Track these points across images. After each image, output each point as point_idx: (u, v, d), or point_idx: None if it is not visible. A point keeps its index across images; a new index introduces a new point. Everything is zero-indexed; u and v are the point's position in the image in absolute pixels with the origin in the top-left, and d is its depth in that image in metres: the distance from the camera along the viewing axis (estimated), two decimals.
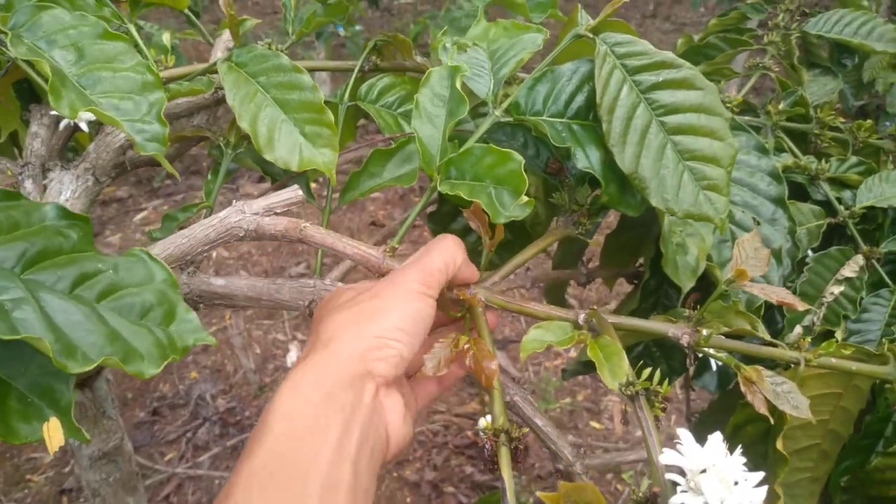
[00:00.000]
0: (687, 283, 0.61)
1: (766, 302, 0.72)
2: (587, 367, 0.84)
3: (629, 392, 0.40)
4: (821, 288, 0.75)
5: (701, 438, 0.53)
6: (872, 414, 0.61)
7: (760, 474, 0.34)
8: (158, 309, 0.41)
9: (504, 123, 0.57)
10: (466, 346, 0.48)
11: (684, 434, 0.36)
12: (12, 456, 1.89)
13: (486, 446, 0.45)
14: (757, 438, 0.56)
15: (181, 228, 0.54)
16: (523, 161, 0.48)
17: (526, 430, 0.45)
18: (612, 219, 0.94)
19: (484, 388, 0.47)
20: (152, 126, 0.49)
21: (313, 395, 0.41)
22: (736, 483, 0.33)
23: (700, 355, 0.50)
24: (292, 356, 2.23)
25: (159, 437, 1.98)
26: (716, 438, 0.35)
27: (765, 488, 0.33)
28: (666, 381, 0.41)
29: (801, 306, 0.46)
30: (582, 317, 0.49)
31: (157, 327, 0.40)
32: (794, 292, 0.74)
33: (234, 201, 0.54)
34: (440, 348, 0.47)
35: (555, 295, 0.90)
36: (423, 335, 0.47)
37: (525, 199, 0.47)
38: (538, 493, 0.29)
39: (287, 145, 0.58)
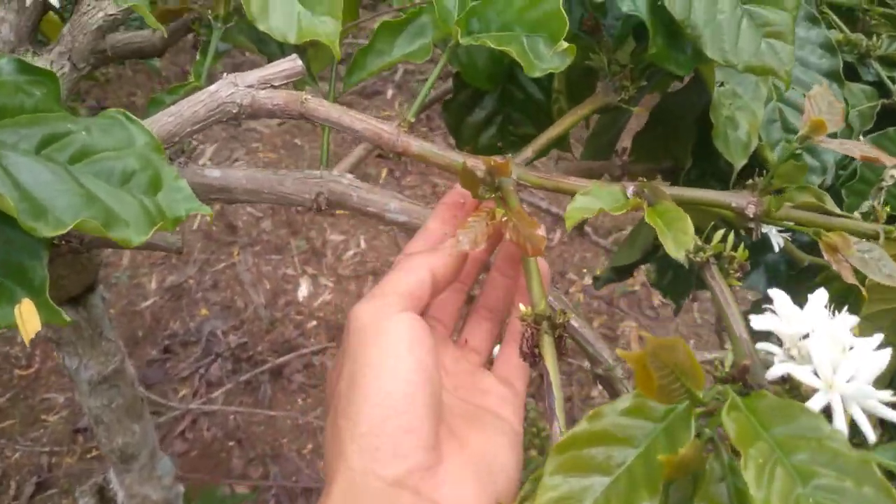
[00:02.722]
0: (739, 160, 0.55)
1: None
2: (619, 273, 0.78)
3: (699, 259, 0.34)
4: (879, 172, 0.68)
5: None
6: None
7: (879, 337, 0.27)
8: (142, 175, 0.35)
9: None
10: (504, 218, 0.41)
11: (778, 295, 0.29)
12: (26, 397, 1.87)
13: (526, 335, 0.39)
14: None
15: None
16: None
17: (571, 315, 0.39)
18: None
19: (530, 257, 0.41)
20: None
21: None
22: (850, 348, 0.27)
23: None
24: (303, 291, 2.19)
25: (172, 374, 1.96)
26: (819, 296, 0.29)
27: (888, 351, 0.26)
28: (741, 246, 0.35)
29: (888, 161, 0.39)
30: (631, 189, 0.42)
31: (142, 195, 0.34)
32: (852, 176, 0.67)
33: (225, 74, 0.47)
34: (475, 222, 0.40)
35: None
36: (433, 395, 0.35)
37: (564, 45, 0.40)
38: (618, 351, 0.23)
39: (283, 13, 0.50)
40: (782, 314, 0.28)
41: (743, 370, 0.28)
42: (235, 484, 1.74)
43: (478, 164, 0.44)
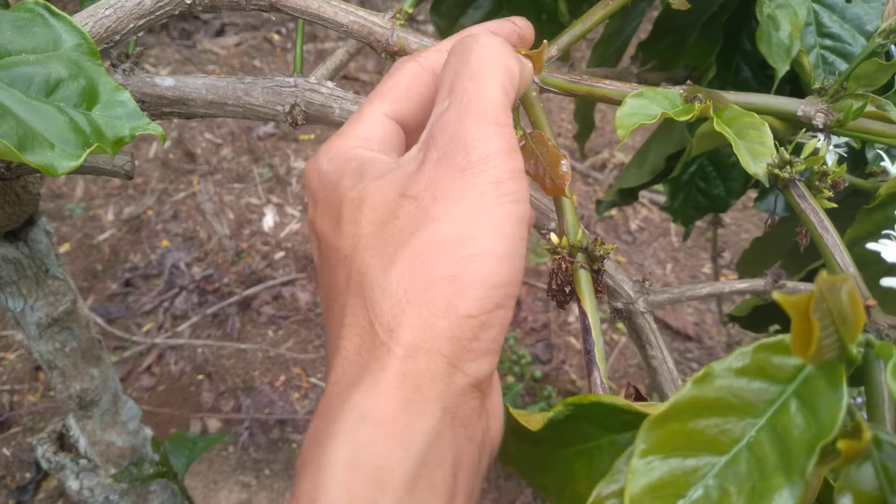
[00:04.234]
0: (782, 65, 0.48)
1: None
2: (624, 196, 0.71)
3: (785, 175, 0.27)
4: None
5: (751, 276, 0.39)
6: None
7: None
8: (72, 84, 0.26)
9: None
10: (521, 143, 0.33)
11: None
12: None
13: (558, 270, 0.33)
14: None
15: None
16: None
17: (613, 246, 0.33)
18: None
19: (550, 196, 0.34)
20: None
21: (397, 460, 0.24)
22: None
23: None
24: (268, 220, 2.09)
25: (135, 308, 1.88)
26: None
27: None
28: (836, 159, 0.28)
29: None
30: (681, 91, 0.35)
31: (72, 109, 0.26)
32: None
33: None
34: None
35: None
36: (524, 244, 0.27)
37: None
38: (775, 296, 0.17)
39: None
40: None
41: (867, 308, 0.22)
42: (207, 417, 1.69)
43: None
